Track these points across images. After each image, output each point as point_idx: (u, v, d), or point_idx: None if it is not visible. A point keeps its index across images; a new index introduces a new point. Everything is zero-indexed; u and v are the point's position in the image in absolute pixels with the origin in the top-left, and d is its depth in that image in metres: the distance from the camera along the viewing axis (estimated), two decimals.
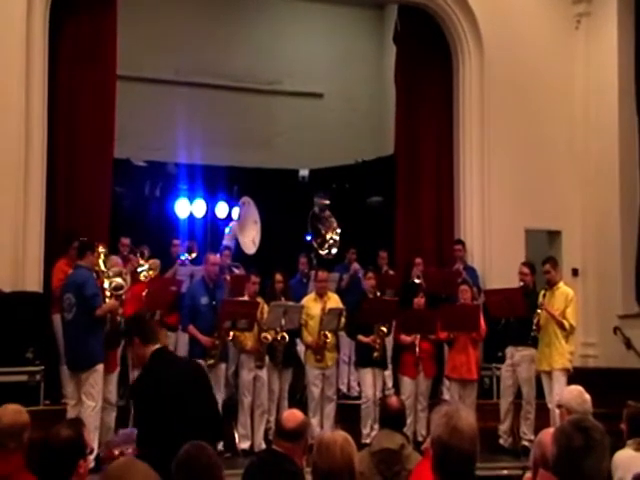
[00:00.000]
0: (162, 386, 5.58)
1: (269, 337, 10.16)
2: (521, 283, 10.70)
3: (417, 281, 11.99)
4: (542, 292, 10.47)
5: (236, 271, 11.77)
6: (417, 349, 10.67)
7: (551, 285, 10.48)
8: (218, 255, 11.09)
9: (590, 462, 3.08)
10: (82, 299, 8.84)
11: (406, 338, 10.79)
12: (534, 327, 10.29)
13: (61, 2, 11.52)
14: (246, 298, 10.33)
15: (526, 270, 10.78)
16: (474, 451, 3.41)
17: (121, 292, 9.18)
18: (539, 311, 10.27)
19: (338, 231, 12.94)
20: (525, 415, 10.55)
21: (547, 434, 3.77)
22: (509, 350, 10.74)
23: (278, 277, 10.74)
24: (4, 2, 11.02)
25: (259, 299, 10.39)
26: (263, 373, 10.27)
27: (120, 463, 3.56)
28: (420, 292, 11.31)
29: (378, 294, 11.04)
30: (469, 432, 3.40)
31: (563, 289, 10.49)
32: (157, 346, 5.77)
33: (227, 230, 13.45)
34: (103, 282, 9.12)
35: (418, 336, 10.69)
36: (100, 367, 8.93)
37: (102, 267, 9.26)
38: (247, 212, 13.29)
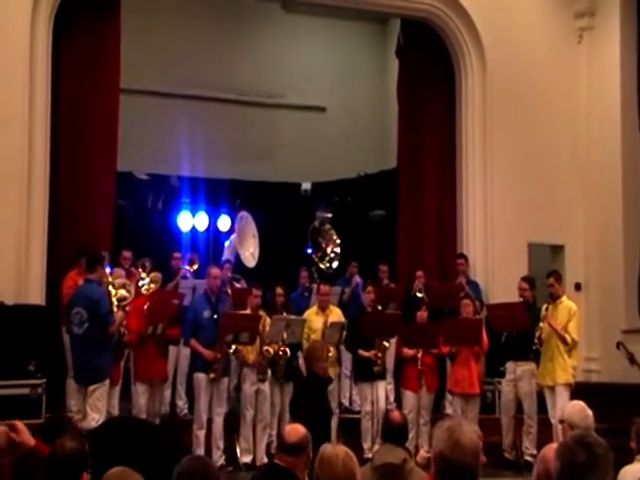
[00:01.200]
0: None
1: (271, 350, 10.13)
2: (520, 298, 10.72)
3: (419, 295, 11.99)
4: (545, 306, 10.45)
5: (237, 285, 11.77)
6: (419, 363, 10.65)
7: (554, 299, 10.46)
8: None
9: (593, 478, 3.06)
10: (97, 315, 8.88)
11: (408, 352, 10.76)
12: (536, 341, 10.28)
13: (65, 15, 11.56)
14: (248, 311, 10.32)
15: (525, 285, 10.80)
16: (476, 466, 3.40)
17: (125, 303, 9.20)
18: (541, 325, 10.26)
19: (338, 243, 12.94)
20: (527, 430, 10.53)
21: (550, 449, 3.75)
22: (510, 365, 10.73)
23: (279, 290, 10.73)
24: (8, 15, 11.05)
25: (261, 312, 10.37)
26: (265, 387, 10.23)
27: (116, 473, 3.56)
28: (423, 305, 11.30)
29: (379, 307, 11.03)
30: (471, 447, 3.38)
31: (566, 303, 10.47)
32: None
33: (227, 243, 13.45)
34: (110, 293, 9.14)
35: (421, 350, 10.67)
36: (107, 381, 9.00)
37: (108, 277, 9.31)
38: (245, 227, 13.30)
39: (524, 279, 10.95)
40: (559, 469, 3.20)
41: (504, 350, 10.82)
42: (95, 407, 8.82)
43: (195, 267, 11.98)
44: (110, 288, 9.17)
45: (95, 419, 8.77)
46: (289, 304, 10.93)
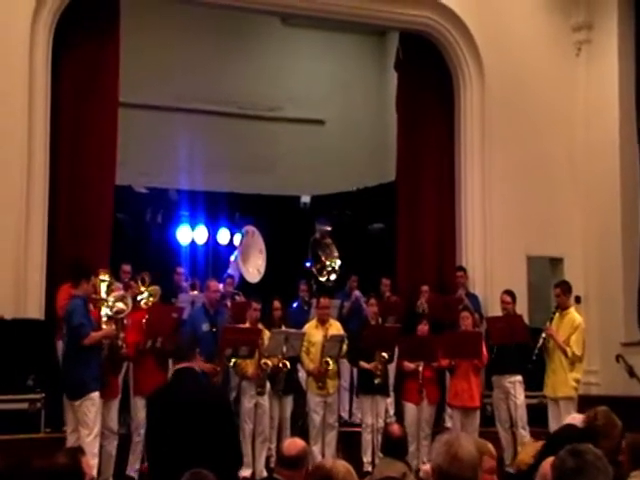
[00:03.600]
0: (175, 404, 5.58)
1: (269, 363, 10.13)
2: (504, 311, 10.82)
3: (422, 313, 12.03)
4: (551, 315, 10.53)
5: (237, 298, 11.76)
6: (420, 376, 10.65)
7: (562, 309, 10.48)
8: (220, 283, 11.09)
9: None
10: (69, 329, 8.87)
11: (409, 365, 10.76)
12: (536, 352, 10.30)
13: (64, 29, 11.58)
14: (247, 325, 10.31)
15: (508, 299, 10.98)
16: (475, 479, 3.39)
17: (122, 316, 9.16)
18: (543, 335, 10.30)
19: (338, 258, 12.95)
20: (521, 441, 10.53)
21: (548, 463, 3.75)
22: (498, 379, 10.85)
23: (276, 304, 10.75)
24: (8, 28, 11.07)
25: (260, 325, 10.36)
26: (264, 400, 10.22)
27: None
28: (423, 319, 11.30)
29: (380, 320, 11.03)
30: (469, 460, 3.39)
31: (572, 315, 10.50)
32: (184, 365, 5.78)
33: (232, 258, 13.41)
34: (100, 310, 9.10)
35: (422, 363, 10.67)
36: (94, 395, 8.83)
37: (102, 294, 9.24)
38: (253, 241, 13.28)
39: (506, 292, 11.09)
40: (552, 478, 3.21)
41: (491, 363, 10.90)
42: (84, 423, 8.72)
43: (196, 293, 11.90)
44: (104, 303, 9.12)
45: (85, 434, 8.69)
46: (287, 318, 10.92)
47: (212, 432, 5.57)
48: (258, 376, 10.17)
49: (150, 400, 6.56)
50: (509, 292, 11.10)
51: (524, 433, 10.55)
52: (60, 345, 9.95)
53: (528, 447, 6.79)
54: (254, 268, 13.14)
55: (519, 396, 10.70)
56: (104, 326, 9.04)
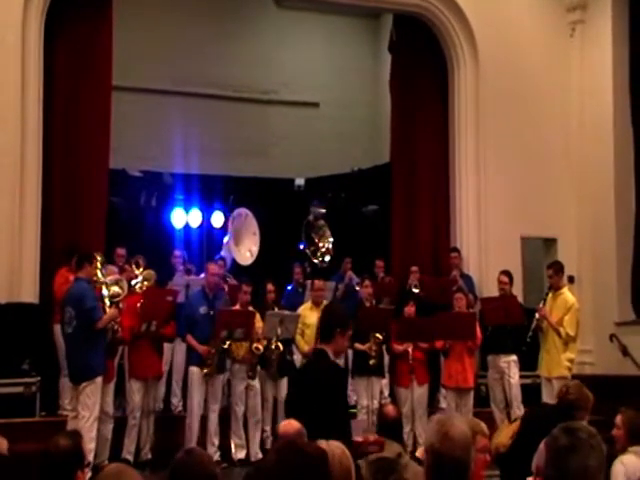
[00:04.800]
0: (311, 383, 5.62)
1: (260, 347, 10.16)
2: (501, 292, 10.84)
3: (415, 290, 12.01)
4: (544, 296, 10.54)
5: (227, 281, 11.76)
6: (410, 358, 10.68)
7: (554, 290, 10.51)
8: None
9: (575, 461, 3.07)
10: (81, 312, 8.83)
11: (399, 347, 10.79)
12: (530, 333, 10.33)
13: (56, 11, 11.53)
14: (238, 307, 10.33)
15: (505, 279, 11.00)
16: (466, 458, 3.40)
17: (118, 299, 9.19)
18: (536, 316, 10.32)
19: (331, 239, 12.96)
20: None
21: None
22: (491, 358, 10.89)
23: (269, 287, 10.77)
24: None
25: (250, 308, 10.37)
26: (255, 382, 10.27)
27: (111, 470, 3.55)
28: (411, 300, 11.29)
29: (374, 302, 11.04)
30: (461, 439, 3.40)
31: (565, 296, 10.50)
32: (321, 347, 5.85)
33: (225, 240, 13.42)
34: (102, 291, 9.13)
35: (411, 345, 10.69)
36: (99, 380, 8.92)
37: (100, 277, 9.27)
38: (246, 223, 13.27)
39: (504, 273, 11.11)
40: (545, 457, 3.22)
41: (489, 343, 10.91)
42: (85, 405, 8.77)
43: (192, 277, 11.88)
44: (102, 286, 9.15)
45: (85, 417, 8.73)
46: (280, 300, 10.92)
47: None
48: (249, 359, 10.20)
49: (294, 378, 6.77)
50: (506, 272, 11.11)
51: (519, 413, 10.57)
52: (57, 329, 9.94)
53: (504, 429, 6.81)
54: (246, 250, 13.14)
55: (514, 376, 10.76)
56: (107, 309, 9.07)
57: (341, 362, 11.68)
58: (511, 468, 5.87)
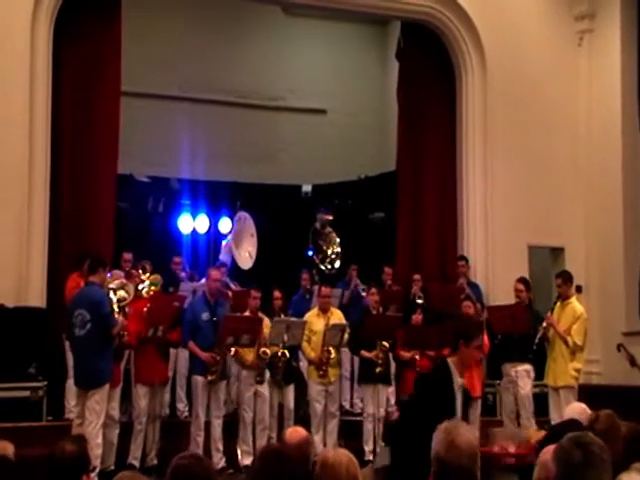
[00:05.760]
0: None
1: (268, 352, 10.14)
2: (517, 299, 10.77)
3: (419, 301, 12.00)
4: (552, 305, 10.50)
5: (232, 286, 11.75)
6: (416, 365, 10.66)
7: (563, 299, 10.47)
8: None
9: (591, 476, 3.06)
10: (98, 317, 8.78)
11: (405, 354, 10.77)
12: (537, 341, 10.30)
13: (65, 17, 11.56)
14: (248, 313, 10.32)
15: (521, 287, 10.86)
16: (472, 467, 3.39)
17: (124, 304, 9.19)
18: (544, 324, 10.29)
19: (338, 242, 12.96)
20: None
21: (548, 452, 3.75)
22: (506, 367, 10.79)
23: (277, 294, 10.77)
24: (8, 20, 11.07)
25: (260, 314, 10.37)
26: (264, 388, 10.24)
27: (123, 478, 3.56)
28: (418, 308, 11.29)
29: (381, 310, 11.03)
30: (467, 448, 3.39)
31: (573, 305, 10.44)
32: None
33: (224, 243, 13.43)
34: (109, 296, 9.13)
35: (418, 353, 10.68)
36: (107, 386, 8.90)
37: (108, 282, 9.30)
38: (244, 226, 13.31)
39: (520, 280, 10.99)
40: (556, 471, 3.20)
41: (499, 352, 10.86)
42: (93, 411, 8.72)
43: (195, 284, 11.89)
44: (110, 293, 9.15)
45: (93, 423, 8.68)
46: (288, 307, 10.91)
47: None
48: (257, 365, 10.19)
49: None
50: (522, 279, 11.01)
51: (528, 424, 10.51)
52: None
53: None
54: (245, 252, 13.15)
55: (524, 386, 10.63)
56: (117, 315, 9.07)
57: (347, 370, 11.77)
58: None
